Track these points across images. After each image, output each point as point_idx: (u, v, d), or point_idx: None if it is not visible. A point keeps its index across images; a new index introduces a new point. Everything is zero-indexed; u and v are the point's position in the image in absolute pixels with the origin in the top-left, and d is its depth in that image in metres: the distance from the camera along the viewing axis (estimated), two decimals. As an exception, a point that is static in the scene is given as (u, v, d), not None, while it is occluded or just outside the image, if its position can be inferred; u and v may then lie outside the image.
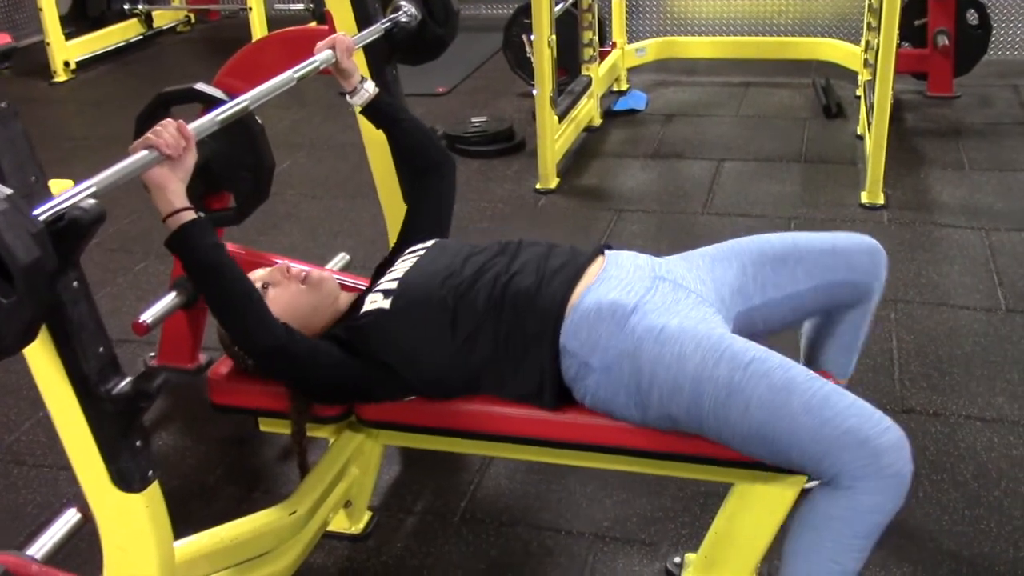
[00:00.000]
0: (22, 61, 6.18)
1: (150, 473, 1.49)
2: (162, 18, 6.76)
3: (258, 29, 5.84)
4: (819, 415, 1.52)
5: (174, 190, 1.58)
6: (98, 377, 1.40)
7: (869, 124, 3.75)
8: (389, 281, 1.85)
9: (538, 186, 3.98)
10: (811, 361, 2.04)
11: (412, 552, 2.12)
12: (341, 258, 2.88)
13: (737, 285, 1.86)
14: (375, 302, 1.81)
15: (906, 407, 2.48)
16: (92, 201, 1.34)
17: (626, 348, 1.67)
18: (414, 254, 1.93)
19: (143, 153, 1.53)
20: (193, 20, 6.99)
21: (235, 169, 2.43)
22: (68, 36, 5.99)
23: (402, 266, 1.89)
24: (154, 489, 1.51)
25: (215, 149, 2.38)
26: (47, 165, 4.14)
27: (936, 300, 2.97)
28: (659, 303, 1.72)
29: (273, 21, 6.00)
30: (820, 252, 1.87)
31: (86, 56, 6.06)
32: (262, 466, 2.44)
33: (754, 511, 1.79)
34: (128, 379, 1.43)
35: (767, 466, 1.69)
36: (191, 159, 1.60)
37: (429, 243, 1.98)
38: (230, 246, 2.69)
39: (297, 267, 1.92)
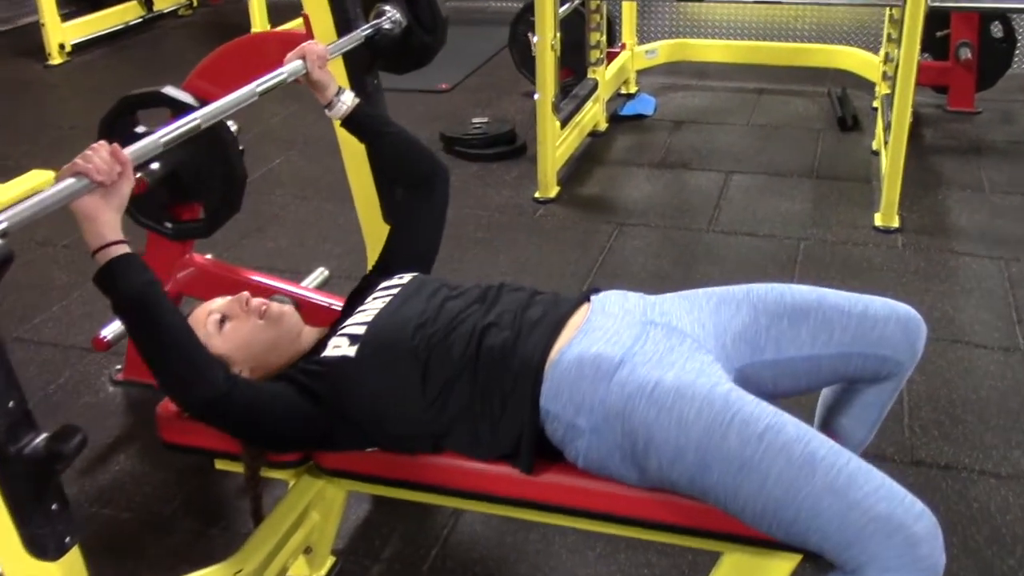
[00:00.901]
0: (17, 41, 6.04)
1: (67, 540, 1.34)
2: (163, 1, 6.58)
3: (257, 16, 5.68)
4: (845, 498, 1.36)
5: (105, 221, 1.41)
6: (6, 436, 1.25)
7: (886, 142, 3.56)
8: (356, 324, 1.69)
9: (537, 195, 3.81)
10: (825, 426, 1.86)
11: (375, 605, 1.97)
12: (319, 273, 2.73)
13: (743, 333, 1.66)
14: (339, 347, 1.65)
15: (915, 458, 2.31)
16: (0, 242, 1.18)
17: (615, 407, 1.50)
18: (387, 292, 1.76)
19: (69, 181, 1.36)
20: (195, 4, 6.82)
21: (205, 179, 2.29)
22: (65, 17, 5.83)
23: (372, 307, 1.73)
24: (72, 557, 1.36)
25: (183, 158, 2.24)
26: (35, 153, 3.98)
27: (950, 337, 2.80)
28: (650, 353, 1.55)
29: (274, 8, 5.84)
30: (848, 316, 1.65)
31: (82, 39, 5.90)
32: (223, 498, 2.28)
33: (745, 585, 1.63)
34: (42, 437, 1.28)
35: (759, 539, 1.53)
36: (127, 186, 1.44)
37: (406, 278, 1.81)
38: (200, 259, 2.55)
39: (257, 300, 1.76)
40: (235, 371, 1.68)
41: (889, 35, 4.05)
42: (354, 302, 1.83)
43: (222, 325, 1.70)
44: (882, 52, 4.35)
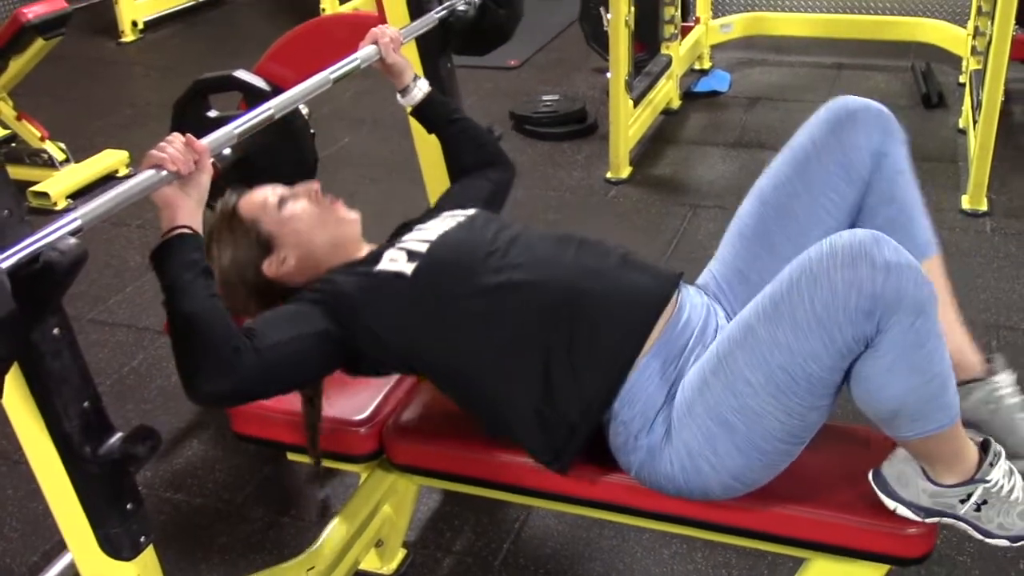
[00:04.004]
0: (91, 18, 6.08)
1: (142, 539, 1.33)
2: (233, -23, 6.59)
3: (327, -6, 5.65)
4: (789, 318, 1.31)
5: (182, 209, 1.36)
6: (82, 436, 1.23)
7: (975, 120, 3.41)
8: (417, 241, 1.57)
9: (609, 175, 3.73)
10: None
11: (447, 599, 1.94)
12: (390, 258, 2.70)
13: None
14: (395, 261, 1.53)
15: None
16: (73, 240, 1.16)
17: (668, 423, 1.47)
18: (453, 217, 1.65)
19: (147, 174, 1.34)
20: (265, -20, 6.82)
21: (275, 165, 2.25)
22: (137, -6, 5.89)
23: (435, 227, 1.61)
24: (147, 556, 1.34)
25: (254, 143, 2.21)
26: (108, 131, 4.01)
27: (1045, 328, 2.68)
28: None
29: (344, -16, 5.80)
30: (787, 182, 1.58)
31: (155, 16, 5.94)
32: (295, 486, 2.28)
33: (831, 593, 1.57)
34: (117, 437, 1.26)
35: (845, 548, 1.48)
36: (206, 177, 1.40)
37: (472, 211, 1.69)
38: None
39: (329, 195, 1.67)
40: (280, 255, 1.59)
41: (980, 8, 3.87)
42: (405, 229, 1.70)
43: (283, 205, 1.63)
44: (970, 25, 4.17)
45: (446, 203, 1.81)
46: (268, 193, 1.64)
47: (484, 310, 1.50)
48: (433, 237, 1.57)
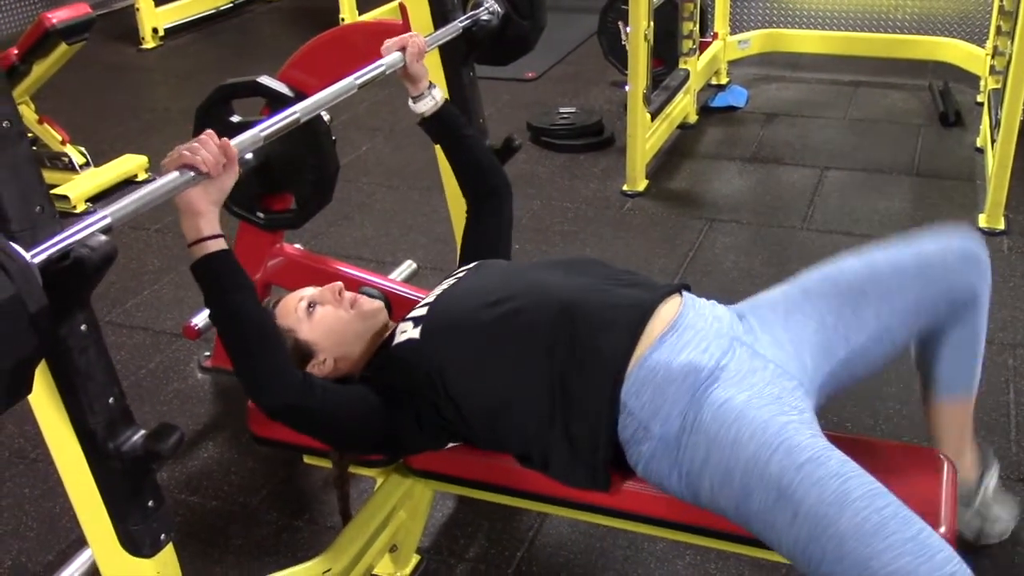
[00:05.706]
0: (112, 25, 6.14)
1: (163, 537, 1.33)
2: (253, -14, 6.64)
3: (346, 2, 5.68)
4: (869, 544, 1.28)
5: (205, 214, 1.40)
6: (106, 432, 1.24)
7: (993, 140, 3.41)
8: (420, 307, 1.69)
9: (625, 188, 3.74)
10: (928, 382, 1.77)
11: (460, 606, 1.94)
12: (408, 266, 2.70)
13: (816, 341, 1.60)
14: (405, 332, 1.65)
15: (1023, 476, 2.20)
16: (103, 237, 1.17)
17: (688, 420, 1.47)
18: (452, 276, 1.77)
19: (174, 175, 1.35)
20: (284, -11, 6.87)
21: (297, 170, 2.27)
22: (158, 2, 5.93)
23: (436, 291, 1.74)
24: (167, 554, 1.35)
25: (276, 148, 2.23)
26: (128, 136, 4.05)
27: (1061, 347, 2.67)
28: (734, 372, 1.50)
29: (363, -5, 5.84)
30: (903, 273, 1.62)
31: (175, 23, 5.98)
32: (309, 490, 2.28)
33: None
34: (140, 434, 1.27)
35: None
36: (230, 180, 1.42)
37: (471, 264, 1.80)
38: (290, 249, 2.54)
39: (350, 292, 1.74)
40: (320, 358, 1.68)
41: (999, 27, 3.87)
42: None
43: (311, 311, 1.69)
44: (989, 45, 4.17)
45: (461, 259, 1.93)
46: (296, 305, 1.70)
47: (491, 341, 1.58)
48: (432, 300, 1.69)
